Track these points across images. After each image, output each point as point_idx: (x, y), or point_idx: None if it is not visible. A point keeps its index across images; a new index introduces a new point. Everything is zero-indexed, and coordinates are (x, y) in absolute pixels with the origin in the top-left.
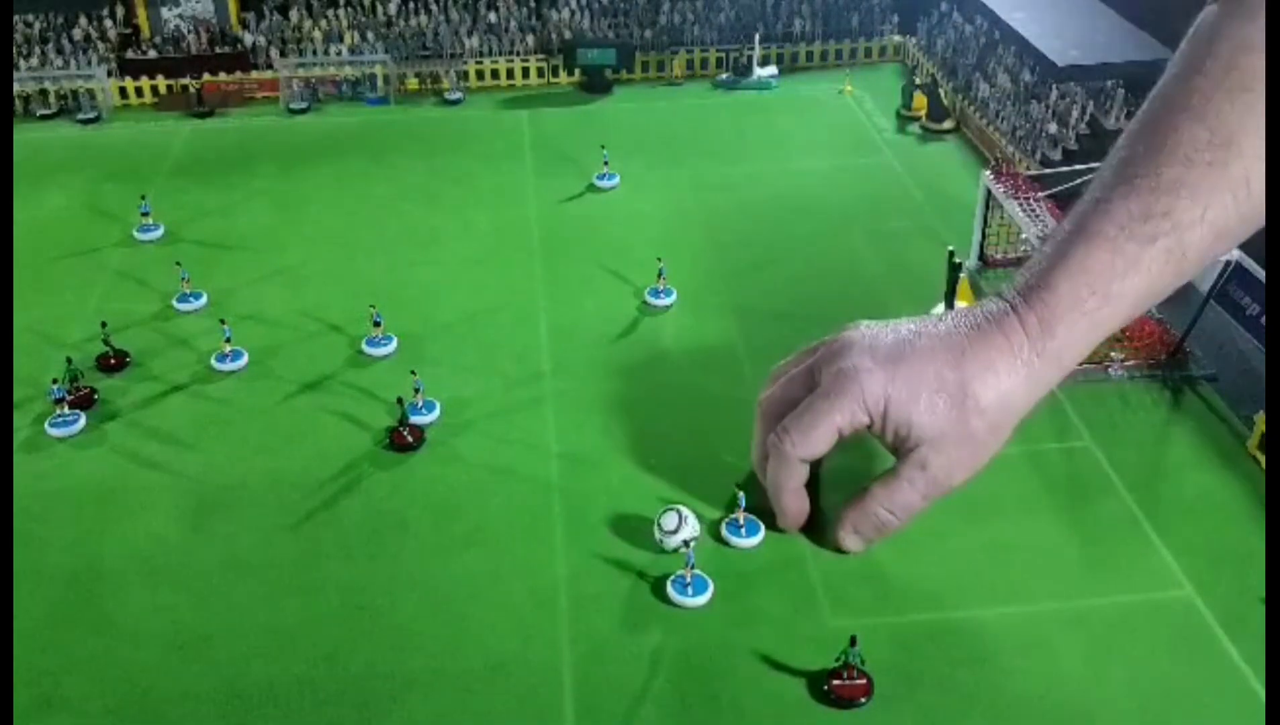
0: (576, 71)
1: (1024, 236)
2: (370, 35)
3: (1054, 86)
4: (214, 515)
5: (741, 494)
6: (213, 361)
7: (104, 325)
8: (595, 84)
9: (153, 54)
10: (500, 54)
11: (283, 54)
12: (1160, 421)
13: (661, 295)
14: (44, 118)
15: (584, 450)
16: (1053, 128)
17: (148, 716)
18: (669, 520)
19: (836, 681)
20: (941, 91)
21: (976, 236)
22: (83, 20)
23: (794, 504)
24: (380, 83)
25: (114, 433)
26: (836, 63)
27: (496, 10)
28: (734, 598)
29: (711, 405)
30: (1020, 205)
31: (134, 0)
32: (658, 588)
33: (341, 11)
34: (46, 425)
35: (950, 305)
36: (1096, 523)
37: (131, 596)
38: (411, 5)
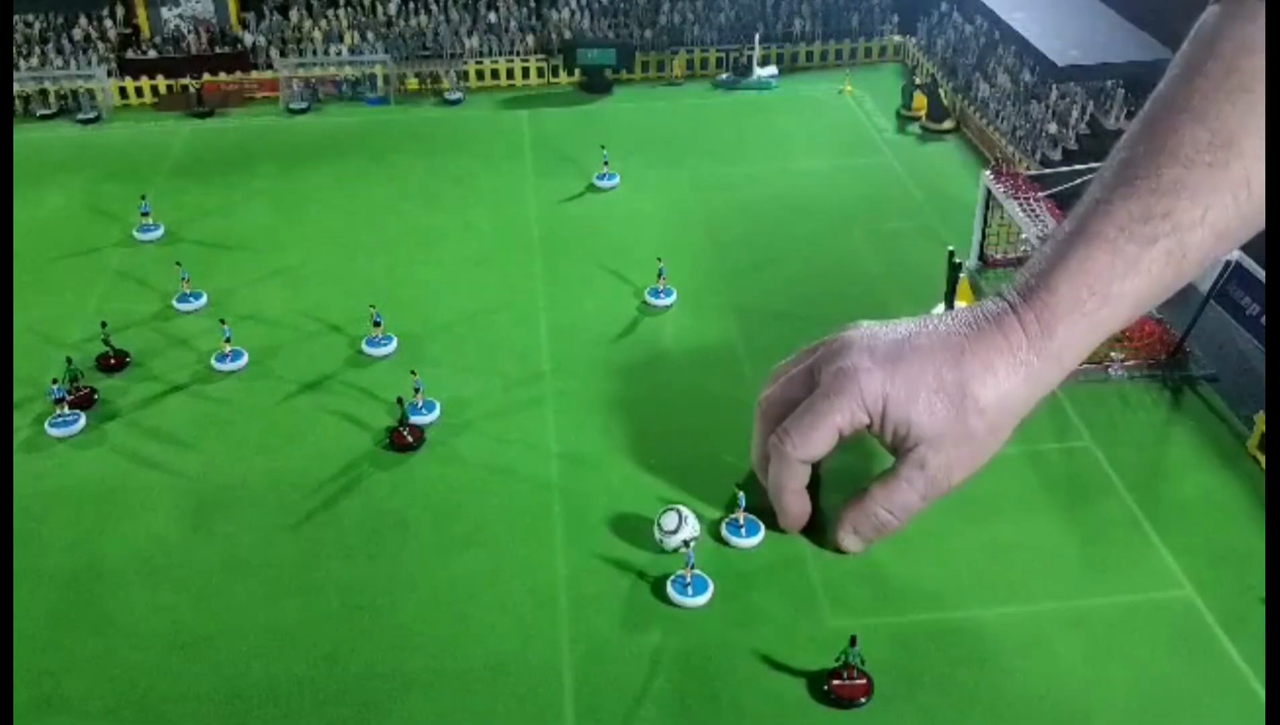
0: (576, 71)
1: (1024, 236)
2: (370, 35)
3: (1054, 86)
4: (214, 515)
5: (741, 494)
6: (213, 361)
7: (104, 325)
8: (595, 84)
9: (153, 54)
10: (500, 54)
11: (283, 54)
12: (1160, 421)
13: (661, 295)
14: (44, 118)
15: (584, 450)
16: (1053, 128)
17: (148, 716)
18: (669, 520)
19: (836, 681)
20: (941, 91)
21: (976, 236)
22: (83, 20)
23: (795, 505)
24: (380, 83)
25: (114, 433)
26: (836, 63)
27: (496, 10)
28: (734, 598)
29: (711, 405)
30: (1020, 205)
31: (134, 0)
32: (658, 588)
33: (341, 11)
34: (46, 425)
35: (950, 305)
36: (1096, 523)
37: (131, 596)
38: (411, 5)
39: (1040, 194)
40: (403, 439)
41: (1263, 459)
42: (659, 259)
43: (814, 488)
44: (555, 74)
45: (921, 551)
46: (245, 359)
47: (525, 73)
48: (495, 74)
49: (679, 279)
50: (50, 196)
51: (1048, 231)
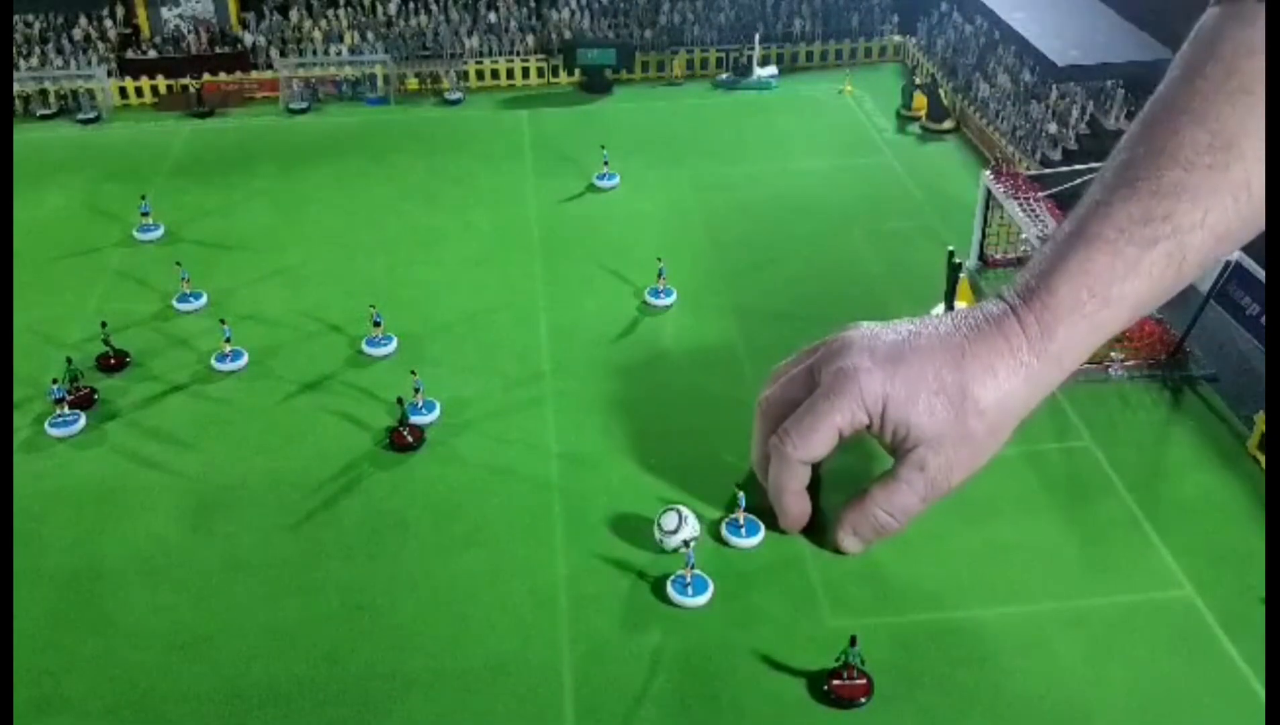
0: (576, 71)
1: (1024, 236)
2: (370, 35)
3: (1054, 86)
4: (214, 515)
5: (741, 494)
6: (213, 361)
7: (104, 325)
8: (595, 84)
9: (153, 54)
10: (500, 54)
11: (283, 54)
12: (1160, 421)
13: (661, 295)
14: (44, 118)
15: (584, 450)
16: (1053, 128)
17: (148, 716)
18: (669, 520)
19: (836, 681)
20: (941, 91)
21: (976, 236)
22: (83, 20)
23: (795, 506)
24: (380, 83)
25: (114, 433)
26: (836, 63)
27: (496, 10)
28: (734, 598)
29: (711, 405)
30: (1020, 205)
31: (134, 0)
32: (658, 588)
33: (341, 11)
34: (46, 425)
35: (950, 305)
36: (1096, 523)
37: (131, 596)
38: (411, 5)
39: (1040, 194)
40: (403, 439)
41: (1263, 459)
42: (659, 259)
43: (814, 488)
44: (555, 74)
45: (921, 551)
46: (245, 359)
47: (525, 73)
48: (495, 74)
49: (679, 279)
50: (50, 196)
51: (1048, 232)
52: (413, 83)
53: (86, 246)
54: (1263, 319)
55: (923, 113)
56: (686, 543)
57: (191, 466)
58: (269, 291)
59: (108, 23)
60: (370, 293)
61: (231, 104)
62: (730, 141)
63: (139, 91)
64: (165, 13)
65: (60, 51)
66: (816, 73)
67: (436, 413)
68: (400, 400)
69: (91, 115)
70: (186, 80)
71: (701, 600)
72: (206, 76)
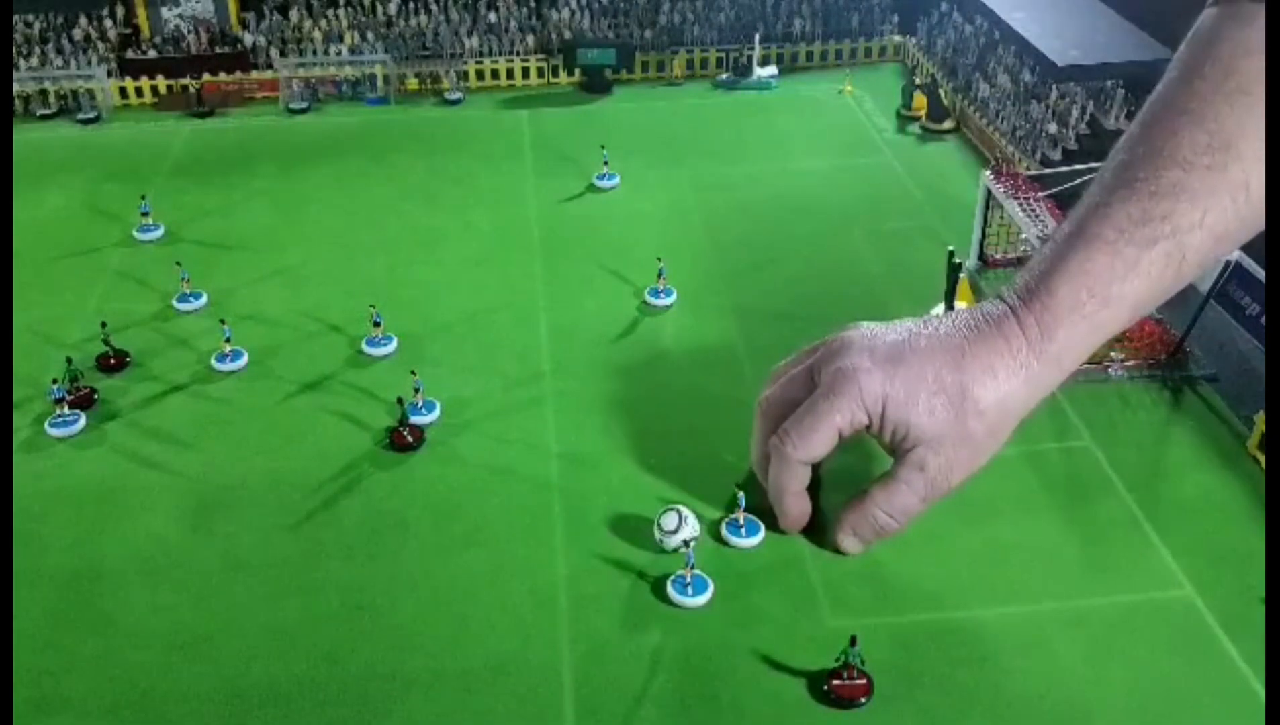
0: (576, 71)
1: (1024, 236)
2: (370, 35)
3: (1054, 86)
4: (214, 515)
5: (741, 494)
6: (213, 361)
7: (104, 325)
8: (595, 84)
9: (153, 54)
10: (500, 54)
11: (283, 54)
12: (1160, 421)
13: (661, 295)
14: (44, 118)
15: (584, 450)
16: (1053, 128)
17: (148, 716)
18: (669, 520)
19: (836, 681)
20: (941, 91)
21: (976, 236)
22: (83, 20)
23: (796, 506)
24: (380, 83)
25: (114, 433)
26: (836, 63)
27: (496, 10)
28: (734, 598)
29: (711, 405)
30: (1020, 205)
31: (134, 0)
32: (658, 588)
33: (341, 11)
34: (46, 425)
35: (950, 305)
36: (1096, 523)
37: (131, 596)
38: (411, 5)
39: (1040, 194)
40: (403, 439)
41: (1263, 459)
42: (659, 259)
43: (814, 489)
44: (555, 74)
45: (921, 551)
46: (245, 359)
47: (525, 73)
48: (495, 74)
49: (679, 279)
50: (50, 196)
51: (1047, 232)
52: (413, 83)
53: (86, 246)
54: (1263, 319)
55: (923, 113)
56: (686, 543)
57: (191, 466)
58: (269, 291)
59: (108, 23)
60: (370, 293)
61: (231, 104)
62: (730, 141)
63: (139, 91)
64: (165, 13)
65: (60, 51)
66: (816, 73)
67: (436, 413)
68: (400, 400)
69: (91, 115)
70: (186, 80)
71: (701, 600)
72: (206, 76)
